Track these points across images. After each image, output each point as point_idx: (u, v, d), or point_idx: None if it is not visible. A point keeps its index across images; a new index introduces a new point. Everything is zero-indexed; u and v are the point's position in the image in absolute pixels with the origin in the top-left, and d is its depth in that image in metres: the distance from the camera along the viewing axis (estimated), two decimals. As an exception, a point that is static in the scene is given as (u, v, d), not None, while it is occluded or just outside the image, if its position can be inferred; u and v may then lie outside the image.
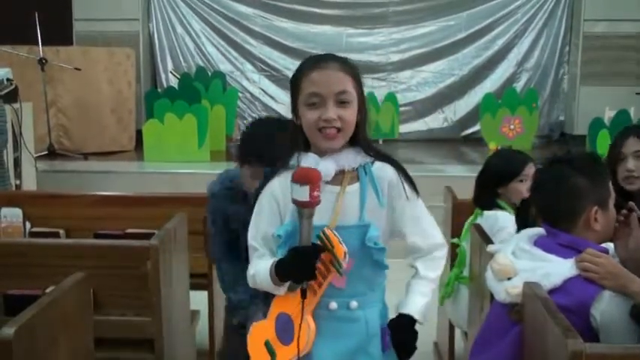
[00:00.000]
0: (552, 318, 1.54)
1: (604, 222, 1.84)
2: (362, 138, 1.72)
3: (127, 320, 2.50)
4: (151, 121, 6.87)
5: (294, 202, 1.59)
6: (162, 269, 2.46)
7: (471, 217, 2.93)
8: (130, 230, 3.01)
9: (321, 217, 1.63)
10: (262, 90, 9.31)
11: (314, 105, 1.64)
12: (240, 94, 8.87)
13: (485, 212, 2.77)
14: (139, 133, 7.27)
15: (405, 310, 1.74)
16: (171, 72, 8.86)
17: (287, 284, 1.67)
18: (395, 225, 1.76)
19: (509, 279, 1.84)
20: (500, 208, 2.77)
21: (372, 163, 1.73)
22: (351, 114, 1.66)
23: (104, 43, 8.11)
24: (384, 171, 1.73)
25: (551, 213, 1.87)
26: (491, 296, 1.96)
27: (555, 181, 1.86)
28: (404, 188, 1.73)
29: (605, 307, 1.67)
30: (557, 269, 1.75)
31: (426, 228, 1.79)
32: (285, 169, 1.72)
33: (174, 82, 8.41)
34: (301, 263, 1.59)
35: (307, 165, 1.65)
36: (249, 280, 1.76)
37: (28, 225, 3.18)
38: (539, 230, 1.93)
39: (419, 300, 1.77)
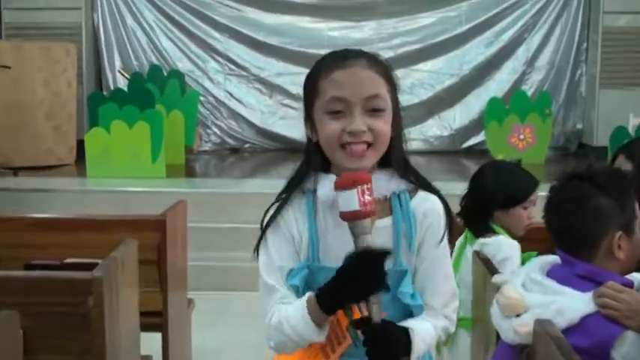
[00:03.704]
0: (568, 362, 1.55)
1: (629, 249, 1.86)
2: (397, 158, 1.62)
3: (65, 368, 2.48)
4: (95, 129, 6.85)
5: (342, 216, 1.47)
6: (107, 306, 2.44)
7: (460, 242, 2.90)
8: (69, 260, 2.98)
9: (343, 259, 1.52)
10: (228, 93, 9.34)
11: (337, 113, 1.54)
12: (201, 98, 8.90)
13: (483, 239, 2.74)
14: (80, 144, 7.23)
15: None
16: (119, 71, 8.86)
17: (326, 329, 1.53)
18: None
19: (518, 315, 1.85)
20: (495, 233, 2.75)
21: (410, 191, 1.64)
22: (384, 125, 1.56)
23: (39, 37, 8.08)
24: (427, 206, 1.64)
25: (569, 238, 1.89)
26: (497, 336, 1.97)
27: (574, 202, 1.88)
28: (443, 231, 1.64)
29: (628, 350, 1.69)
30: (573, 304, 1.76)
31: (439, 283, 1.67)
32: (297, 194, 1.63)
33: (123, 83, 8.40)
34: (371, 267, 1.45)
35: (325, 191, 1.56)
36: (272, 333, 1.57)
37: (-55, 254, 3.15)
38: (553, 258, 1.94)
39: (422, 325, 1.61)
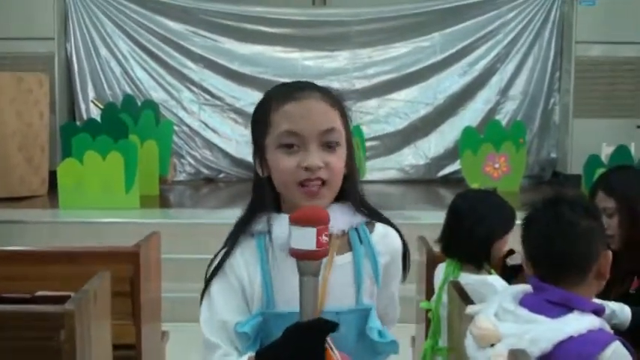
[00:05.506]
0: (542, 391, 1.56)
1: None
2: (352, 192, 1.57)
3: (36, 404, 2.45)
4: (68, 160, 6.82)
5: (293, 253, 1.38)
6: (79, 340, 2.42)
7: (444, 272, 2.90)
8: (40, 293, 2.95)
9: None
10: (203, 122, 9.34)
11: (290, 148, 1.47)
12: (176, 128, 8.89)
13: (471, 276, 2.72)
14: (53, 175, 7.19)
15: None
16: (92, 101, 8.84)
17: None
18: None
19: (492, 346, 1.86)
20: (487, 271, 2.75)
21: (367, 224, 1.59)
22: (339, 160, 1.50)
23: (11, 67, 8.05)
24: (387, 240, 1.60)
25: (552, 265, 1.88)
26: (473, 366, 1.98)
27: (558, 229, 1.88)
28: (403, 267, 1.62)
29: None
30: (545, 332, 1.77)
31: (394, 311, 1.68)
32: (247, 236, 1.54)
33: (96, 113, 8.38)
34: (305, 346, 1.36)
35: (281, 232, 1.46)
36: None
37: None
38: (525, 287, 1.95)
39: None
